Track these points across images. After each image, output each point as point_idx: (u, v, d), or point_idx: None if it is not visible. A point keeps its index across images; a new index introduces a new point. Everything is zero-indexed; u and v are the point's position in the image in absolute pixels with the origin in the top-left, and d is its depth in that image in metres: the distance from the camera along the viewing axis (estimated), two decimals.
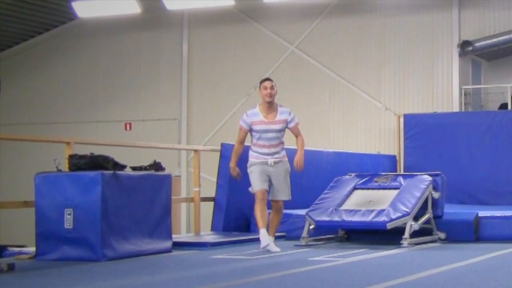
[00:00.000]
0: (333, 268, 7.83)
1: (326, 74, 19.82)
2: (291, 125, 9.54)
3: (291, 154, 9.75)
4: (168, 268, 7.99)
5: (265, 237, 9.21)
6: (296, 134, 9.68)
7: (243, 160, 9.73)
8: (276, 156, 9.45)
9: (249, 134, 9.59)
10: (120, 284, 6.82)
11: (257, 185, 9.41)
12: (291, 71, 19.98)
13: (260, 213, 9.29)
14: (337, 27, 19.76)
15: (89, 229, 8.32)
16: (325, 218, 10.30)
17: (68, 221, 8.38)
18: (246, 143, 9.76)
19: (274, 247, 9.22)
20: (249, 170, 9.49)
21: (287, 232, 10.94)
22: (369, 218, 10.03)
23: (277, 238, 10.09)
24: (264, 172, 9.41)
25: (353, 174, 11.37)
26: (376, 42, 19.37)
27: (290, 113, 9.54)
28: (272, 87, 9.41)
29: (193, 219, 12.00)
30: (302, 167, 9.61)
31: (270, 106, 9.44)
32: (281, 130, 9.47)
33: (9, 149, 20.97)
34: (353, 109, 19.51)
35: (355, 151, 16.83)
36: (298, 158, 9.55)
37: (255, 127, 9.42)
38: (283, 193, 9.56)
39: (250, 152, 9.55)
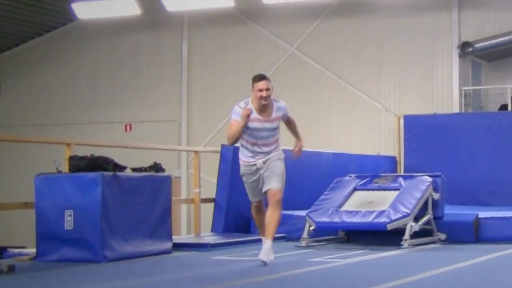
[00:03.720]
0: (334, 269, 7.83)
1: (326, 75, 19.81)
2: (285, 117, 8.55)
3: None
4: (169, 269, 7.99)
5: (265, 251, 8.25)
6: (287, 120, 8.62)
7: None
8: (267, 155, 8.38)
9: None
10: (120, 285, 6.82)
11: (250, 196, 8.65)
12: (291, 72, 19.97)
13: (259, 222, 8.63)
14: (337, 28, 19.76)
15: (89, 230, 8.33)
16: (326, 219, 10.30)
17: (68, 222, 8.38)
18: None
19: (266, 256, 8.12)
20: (243, 179, 8.57)
21: (288, 233, 10.94)
22: (369, 219, 10.04)
23: (277, 239, 10.06)
24: (255, 184, 8.47)
25: (353, 175, 11.37)
26: (376, 43, 19.37)
27: (287, 108, 8.53)
28: (268, 88, 8.27)
29: (193, 220, 12.00)
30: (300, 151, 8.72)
31: (265, 104, 8.36)
32: (277, 128, 8.45)
33: (9, 151, 20.94)
34: (353, 110, 19.50)
35: (355, 152, 16.81)
36: (299, 146, 8.71)
37: (249, 124, 8.30)
38: (272, 181, 8.33)
39: (240, 155, 8.57)
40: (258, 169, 8.42)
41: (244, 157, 8.51)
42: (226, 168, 11.39)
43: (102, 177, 8.40)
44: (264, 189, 8.43)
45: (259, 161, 8.41)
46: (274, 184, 8.34)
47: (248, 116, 8.23)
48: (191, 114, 21.17)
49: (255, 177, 8.47)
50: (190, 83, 21.20)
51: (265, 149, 8.41)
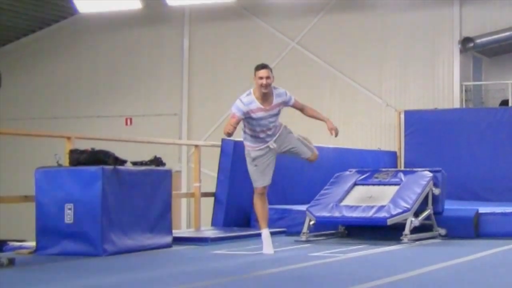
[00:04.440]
0: (333, 264, 7.83)
1: (327, 70, 19.82)
2: (291, 103, 8.78)
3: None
4: (169, 263, 8.00)
5: (268, 242, 8.66)
6: (301, 106, 8.93)
7: (242, 156, 9.10)
8: (275, 135, 8.71)
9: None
10: (120, 279, 6.82)
11: (259, 181, 8.73)
12: (292, 67, 19.97)
13: (261, 211, 8.75)
14: (338, 23, 19.75)
15: (90, 224, 8.33)
16: (326, 213, 10.29)
17: (69, 216, 8.38)
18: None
19: (270, 249, 8.66)
20: (252, 164, 8.71)
21: (288, 227, 10.94)
22: (369, 214, 10.03)
23: (277, 233, 10.11)
24: (270, 163, 8.71)
25: (353, 170, 11.36)
26: (377, 38, 19.36)
27: (286, 94, 8.74)
28: (268, 77, 8.47)
29: (193, 214, 12.00)
30: (337, 129, 9.01)
31: (266, 93, 8.57)
32: (278, 113, 8.68)
33: (10, 144, 20.96)
34: (353, 105, 19.51)
35: (356, 147, 16.81)
36: (331, 125, 8.97)
37: (252, 115, 8.51)
38: (304, 151, 8.96)
39: (246, 142, 8.76)
40: (271, 149, 8.72)
41: (252, 144, 8.72)
42: (226, 162, 11.39)
43: (102, 171, 8.39)
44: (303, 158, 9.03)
45: (270, 143, 8.70)
46: (308, 154, 9.02)
47: (230, 133, 8.39)
48: (191, 108, 21.18)
49: (268, 157, 8.72)
50: (191, 77, 21.21)
51: (270, 132, 8.69)
